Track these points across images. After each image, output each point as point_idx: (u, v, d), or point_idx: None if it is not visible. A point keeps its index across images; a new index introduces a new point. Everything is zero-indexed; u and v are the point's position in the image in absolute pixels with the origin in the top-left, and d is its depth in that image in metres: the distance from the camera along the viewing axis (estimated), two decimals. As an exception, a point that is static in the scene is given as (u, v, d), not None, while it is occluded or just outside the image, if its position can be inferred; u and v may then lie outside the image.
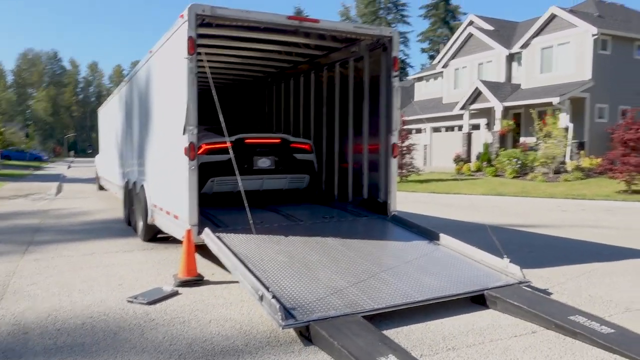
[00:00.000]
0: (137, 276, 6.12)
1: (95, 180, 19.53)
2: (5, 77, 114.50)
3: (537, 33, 25.38)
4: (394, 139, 7.22)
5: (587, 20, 23.50)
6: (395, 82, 7.24)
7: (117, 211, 11.93)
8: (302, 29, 7.02)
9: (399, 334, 4.12)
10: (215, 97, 5.93)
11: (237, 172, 5.75)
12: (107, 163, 15.02)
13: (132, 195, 9.26)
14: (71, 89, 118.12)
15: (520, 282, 5.06)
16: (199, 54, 6.01)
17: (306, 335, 4.02)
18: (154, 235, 8.16)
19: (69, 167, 43.16)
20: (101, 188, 17.49)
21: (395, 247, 6.11)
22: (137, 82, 9.32)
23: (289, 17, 6.69)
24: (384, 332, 4.04)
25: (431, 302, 4.61)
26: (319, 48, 8.80)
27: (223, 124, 5.90)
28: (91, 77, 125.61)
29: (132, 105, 9.86)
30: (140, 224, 8.45)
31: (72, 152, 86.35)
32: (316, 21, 6.82)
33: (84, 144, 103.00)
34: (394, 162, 7.24)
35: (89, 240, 8.58)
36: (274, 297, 4.12)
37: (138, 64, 9.44)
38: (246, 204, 5.41)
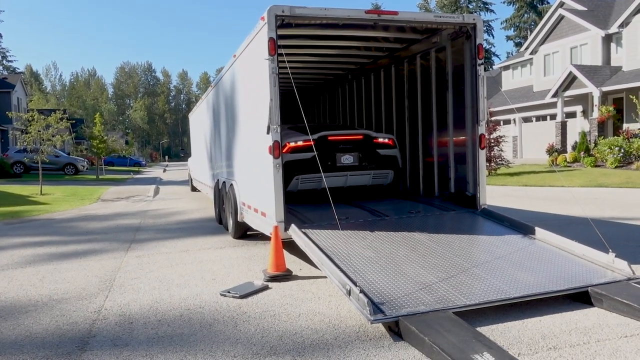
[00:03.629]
0: (228, 272, 6.36)
1: (188, 182, 20.63)
2: (106, 90, 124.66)
3: (639, 9, 23.24)
4: (482, 129, 6.95)
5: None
6: (481, 71, 6.97)
7: (209, 210, 12.51)
8: (381, 22, 6.95)
9: (493, 332, 3.93)
10: (297, 96, 6.03)
11: (321, 167, 5.79)
12: (198, 165, 15.79)
13: (222, 195, 9.66)
14: (163, 97, 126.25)
15: (629, 279, 4.64)
16: (280, 54, 6.12)
17: (395, 330, 3.95)
18: (244, 232, 8.44)
19: (164, 170, 45.96)
20: (194, 189, 18.44)
21: (487, 242, 5.85)
22: (223, 87, 9.69)
23: (367, 12, 6.64)
24: (478, 329, 3.87)
25: (528, 299, 4.36)
26: (398, 41, 8.68)
27: (305, 122, 5.98)
28: (181, 86, 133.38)
29: (219, 109, 10.28)
30: (230, 222, 8.78)
31: (166, 157, 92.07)
32: (395, 13, 6.70)
33: (177, 149, 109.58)
34: (482, 154, 6.97)
35: (184, 238, 9.07)
36: (361, 291, 4.09)
37: (223, 68, 9.82)
38: (330, 200, 5.44)
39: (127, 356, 3.80)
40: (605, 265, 4.93)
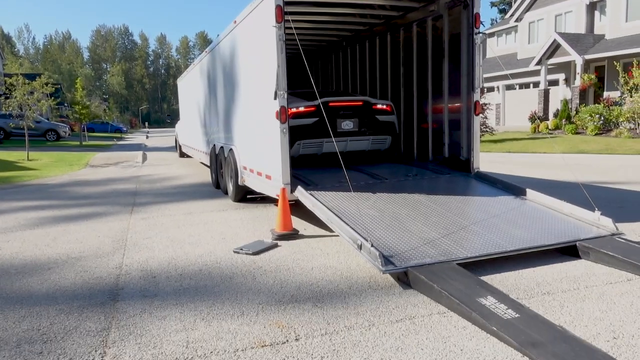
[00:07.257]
0: (236, 232, 6.66)
1: (175, 148, 20.66)
2: (82, 54, 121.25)
3: (623, -22, 23.52)
4: (477, 96, 7.26)
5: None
6: (478, 39, 7.22)
7: (202, 176, 12.72)
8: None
9: (492, 280, 4.33)
10: (305, 62, 6.22)
11: (330, 133, 6.07)
12: (189, 131, 15.82)
13: (220, 160, 9.86)
14: (141, 62, 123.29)
15: (613, 234, 5.08)
16: (287, 21, 6.27)
17: (404, 280, 4.33)
18: (244, 195, 8.71)
19: (147, 137, 45.58)
20: (182, 155, 18.51)
21: (482, 202, 6.24)
22: (221, 53, 9.75)
23: (369, -22, 6.79)
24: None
25: (522, 252, 4.77)
26: (395, 9, 8.82)
27: (314, 88, 6.20)
28: (160, 50, 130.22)
29: (216, 75, 10.35)
30: (230, 186, 9.03)
31: (146, 124, 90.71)
32: None
33: (157, 115, 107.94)
34: (476, 120, 7.30)
35: (184, 201, 9.31)
36: (372, 245, 4.44)
37: (221, 34, 9.85)
38: (342, 165, 5.68)
39: (159, 305, 4.11)
40: (591, 222, 5.36)
